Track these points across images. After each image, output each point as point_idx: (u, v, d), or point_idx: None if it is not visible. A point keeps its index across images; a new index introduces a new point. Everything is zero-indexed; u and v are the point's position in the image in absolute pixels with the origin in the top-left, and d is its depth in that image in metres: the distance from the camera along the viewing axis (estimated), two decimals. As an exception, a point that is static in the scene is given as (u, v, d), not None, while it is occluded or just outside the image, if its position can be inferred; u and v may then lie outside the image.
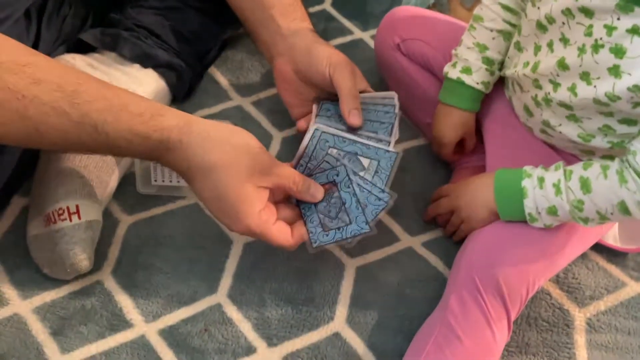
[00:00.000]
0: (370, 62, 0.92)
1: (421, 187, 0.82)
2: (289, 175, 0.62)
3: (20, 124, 0.51)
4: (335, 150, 0.67)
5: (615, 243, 0.79)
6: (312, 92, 0.74)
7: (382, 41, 0.84)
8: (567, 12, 0.60)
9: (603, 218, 0.62)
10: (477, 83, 0.74)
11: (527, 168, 0.66)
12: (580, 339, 0.70)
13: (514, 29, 0.72)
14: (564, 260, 0.70)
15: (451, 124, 0.76)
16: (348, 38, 1.01)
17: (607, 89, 0.58)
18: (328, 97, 0.73)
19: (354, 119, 0.69)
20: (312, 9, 1.04)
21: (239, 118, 0.88)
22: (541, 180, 0.65)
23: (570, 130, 0.66)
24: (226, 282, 0.72)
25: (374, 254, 0.77)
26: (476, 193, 0.71)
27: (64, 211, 0.67)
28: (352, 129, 0.70)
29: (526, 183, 0.65)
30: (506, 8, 0.71)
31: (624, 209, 0.60)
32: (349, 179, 0.65)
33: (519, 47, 0.70)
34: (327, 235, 0.64)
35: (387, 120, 0.71)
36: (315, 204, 0.65)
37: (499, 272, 0.64)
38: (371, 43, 0.98)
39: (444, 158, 0.81)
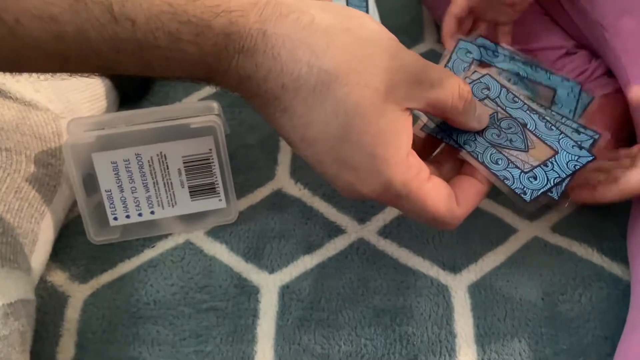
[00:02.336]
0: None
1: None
2: (452, 85, 0.33)
3: None
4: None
5: None
6: None
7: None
8: None
9: None
10: None
11: None
12: None
13: None
14: None
15: None
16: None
17: None
18: None
19: None
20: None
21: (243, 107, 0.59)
22: None
23: None
24: (264, 358, 0.42)
25: (487, 258, 0.48)
26: None
27: (-44, 297, 0.37)
28: None
29: None
30: None
31: None
32: (507, 90, 0.40)
33: None
34: (533, 178, 0.37)
35: None
36: (482, 134, 0.38)
37: None
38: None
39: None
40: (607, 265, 0.47)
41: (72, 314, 0.45)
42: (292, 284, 0.47)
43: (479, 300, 0.45)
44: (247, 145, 0.57)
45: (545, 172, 0.38)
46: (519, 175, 0.37)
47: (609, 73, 0.55)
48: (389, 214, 0.51)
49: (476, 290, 0.46)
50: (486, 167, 0.37)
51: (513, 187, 0.37)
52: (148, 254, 0.49)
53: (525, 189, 0.37)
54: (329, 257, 0.48)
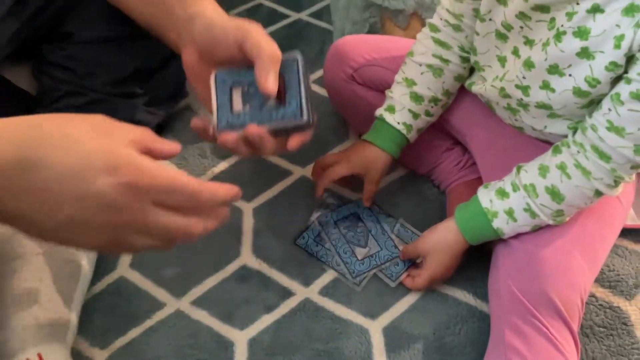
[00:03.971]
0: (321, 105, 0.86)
1: (418, 217, 0.74)
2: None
3: None
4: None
5: (634, 222, 0.73)
6: None
7: (333, 75, 0.77)
8: (522, 16, 0.56)
9: (580, 208, 0.60)
10: (398, 123, 0.69)
11: (485, 202, 0.61)
12: (644, 335, 0.63)
13: (445, 64, 0.67)
14: (603, 252, 0.63)
15: (363, 156, 0.70)
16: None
17: (585, 72, 0.53)
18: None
19: (271, 82, 0.52)
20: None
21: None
22: (510, 212, 0.60)
23: (559, 126, 0.60)
24: (240, 393, 0.60)
25: (396, 307, 0.67)
26: (440, 244, 0.65)
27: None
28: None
29: (499, 224, 0.61)
30: (438, 42, 0.67)
31: (599, 194, 0.57)
32: (369, 209, 0.72)
33: (479, 67, 0.65)
34: (362, 264, 0.68)
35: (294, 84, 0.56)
36: (345, 235, 0.69)
37: (546, 285, 0.56)
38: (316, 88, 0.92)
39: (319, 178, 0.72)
40: (479, 306, 0.66)
41: (96, 373, 0.62)
42: (257, 337, 0.64)
43: (390, 338, 0.64)
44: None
45: (369, 261, 0.67)
46: (355, 262, 0.67)
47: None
48: (326, 278, 0.70)
49: (388, 331, 0.64)
50: (339, 255, 0.67)
51: (349, 269, 0.66)
52: (148, 323, 0.65)
53: (355, 270, 0.67)
54: (283, 315, 0.66)
